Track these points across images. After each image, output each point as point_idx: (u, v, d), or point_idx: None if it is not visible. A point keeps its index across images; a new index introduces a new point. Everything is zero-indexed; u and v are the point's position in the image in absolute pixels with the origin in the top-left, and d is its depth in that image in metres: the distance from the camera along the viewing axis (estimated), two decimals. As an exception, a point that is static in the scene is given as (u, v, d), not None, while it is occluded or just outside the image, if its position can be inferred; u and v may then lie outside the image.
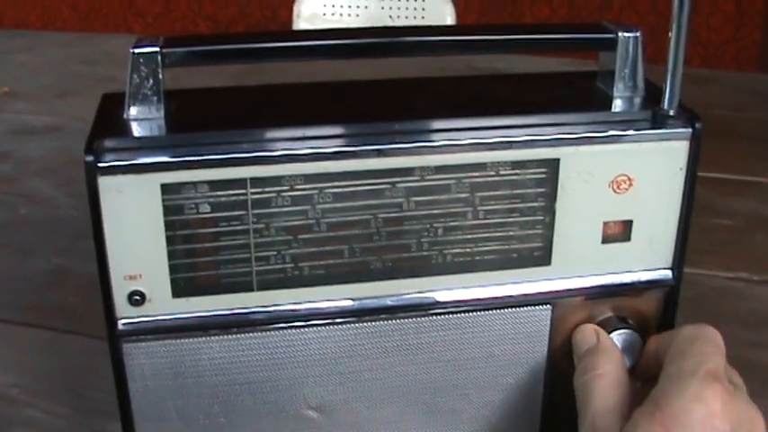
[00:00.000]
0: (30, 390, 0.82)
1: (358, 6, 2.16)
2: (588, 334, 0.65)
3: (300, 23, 2.18)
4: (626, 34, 0.64)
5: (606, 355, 0.63)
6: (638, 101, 0.64)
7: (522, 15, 2.70)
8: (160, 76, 0.60)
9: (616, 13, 2.59)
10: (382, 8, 2.15)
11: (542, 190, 0.61)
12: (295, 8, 2.19)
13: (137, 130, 0.59)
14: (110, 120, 0.60)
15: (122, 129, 0.59)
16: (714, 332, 0.62)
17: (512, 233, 0.62)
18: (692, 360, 0.59)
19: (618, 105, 0.63)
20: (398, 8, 2.15)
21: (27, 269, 1.00)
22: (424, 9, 2.15)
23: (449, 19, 2.11)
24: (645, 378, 0.63)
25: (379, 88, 0.67)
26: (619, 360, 0.63)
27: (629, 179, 0.62)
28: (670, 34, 0.60)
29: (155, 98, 0.60)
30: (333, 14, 2.16)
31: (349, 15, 2.16)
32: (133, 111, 0.60)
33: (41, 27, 1.79)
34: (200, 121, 0.61)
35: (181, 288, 0.60)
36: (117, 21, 3.07)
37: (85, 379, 0.82)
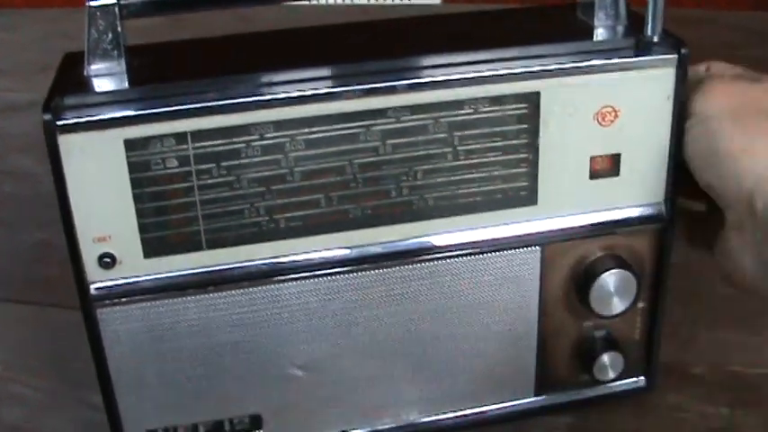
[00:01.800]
0: (14, 365, 0.80)
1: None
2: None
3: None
4: (605, -40, 0.61)
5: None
6: (620, 29, 0.61)
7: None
8: (119, 29, 0.57)
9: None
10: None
11: (524, 126, 0.59)
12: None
13: (97, 85, 0.57)
14: (69, 77, 0.58)
15: (82, 85, 0.56)
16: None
17: (495, 173, 0.60)
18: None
19: (599, 34, 0.61)
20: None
21: (10, 245, 0.98)
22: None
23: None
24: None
25: (347, 31, 0.64)
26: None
27: (615, 111, 0.60)
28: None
29: (115, 52, 0.57)
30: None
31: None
32: (93, 67, 0.57)
33: (24, 5, 1.76)
34: (163, 73, 0.59)
35: (152, 248, 0.58)
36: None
37: (70, 352, 0.80)
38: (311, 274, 0.60)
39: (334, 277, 0.60)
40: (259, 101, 0.55)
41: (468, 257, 0.62)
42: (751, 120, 0.57)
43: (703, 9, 1.50)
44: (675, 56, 0.59)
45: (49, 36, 1.50)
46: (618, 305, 0.64)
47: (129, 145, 0.55)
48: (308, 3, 1.33)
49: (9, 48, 1.54)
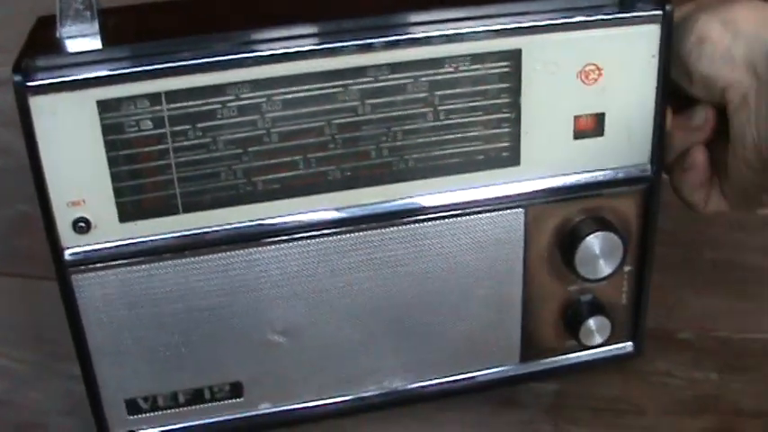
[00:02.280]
0: (-4, 338, 0.79)
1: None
2: None
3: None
4: None
5: None
6: (604, -15, 0.60)
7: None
8: (91, -11, 0.55)
9: None
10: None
11: (506, 85, 0.58)
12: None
13: (69, 46, 0.55)
14: (41, 39, 0.56)
15: (54, 46, 0.55)
16: None
17: (476, 133, 0.59)
18: None
19: (583, -9, 0.59)
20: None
21: (-8, 218, 0.97)
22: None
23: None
24: None
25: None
26: None
27: (599, 69, 0.59)
28: None
29: (87, 13, 0.56)
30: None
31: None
32: (65, 29, 0.56)
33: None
34: (137, 33, 0.57)
35: (127, 212, 0.57)
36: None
37: (53, 323, 0.78)
38: (290, 237, 0.59)
39: (313, 241, 0.59)
40: (234, 59, 0.54)
41: (450, 219, 0.61)
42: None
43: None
44: (660, 12, 0.58)
45: (36, 11, 1.49)
46: (604, 268, 0.63)
47: (103, 106, 0.54)
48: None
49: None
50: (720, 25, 0.59)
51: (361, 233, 0.60)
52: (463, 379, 0.67)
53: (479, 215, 0.61)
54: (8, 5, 1.61)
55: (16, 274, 0.87)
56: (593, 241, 0.62)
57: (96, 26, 0.56)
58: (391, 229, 0.60)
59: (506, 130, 0.59)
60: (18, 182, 1.00)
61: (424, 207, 0.60)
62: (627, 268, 0.65)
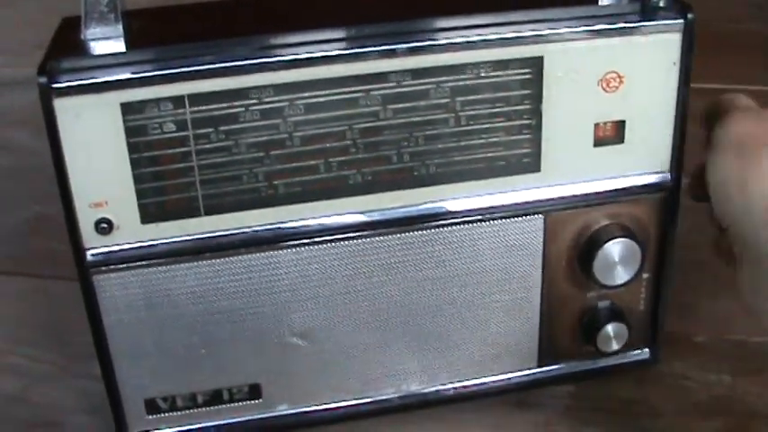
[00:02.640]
0: (14, 337, 0.79)
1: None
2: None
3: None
4: (610, -76, 0.60)
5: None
6: (626, -6, 0.60)
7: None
8: (116, -8, 0.56)
9: None
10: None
11: (527, 91, 0.58)
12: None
13: (94, 48, 0.56)
14: (66, 41, 0.57)
15: (78, 48, 0.56)
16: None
17: (497, 139, 0.59)
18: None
19: (604, -1, 0.60)
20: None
21: (8, 219, 0.97)
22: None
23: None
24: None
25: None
26: None
27: (620, 76, 0.59)
28: None
29: (112, 15, 0.56)
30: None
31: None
32: (90, 31, 0.57)
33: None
34: (161, 36, 0.58)
35: (150, 213, 0.57)
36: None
37: (70, 323, 0.79)
38: (310, 240, 0.59)
39: (333, 244, 0.60)
40: (257, 64, 0.55)
41: (470, 225, 0.61)
42: (757, 152, 0.55)
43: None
44: (682, 21, 0.58)
45: (47, 12, 1.49)
46: (622, 275, 0.63)
47: (126, 109, 0.54)
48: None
49: (6, 24, 1.53)
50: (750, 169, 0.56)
51: (381, 237, 0.60)
52: (481, 383, 0.67)
53: (499, 221, 0.61)
54: (15, 7, 1.62)
55: (32, 274, 0.87)
56: (612, 248, 0.62)
57: (120, 29, 0.56)
58: (411, 233, 0.60)
59: (527, 136, 0.59)
60: (33, 182, 1.00)
61: (445, 212, 0.60)
62: (645, 275, 0.65)
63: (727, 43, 1.20)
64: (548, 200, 0.61)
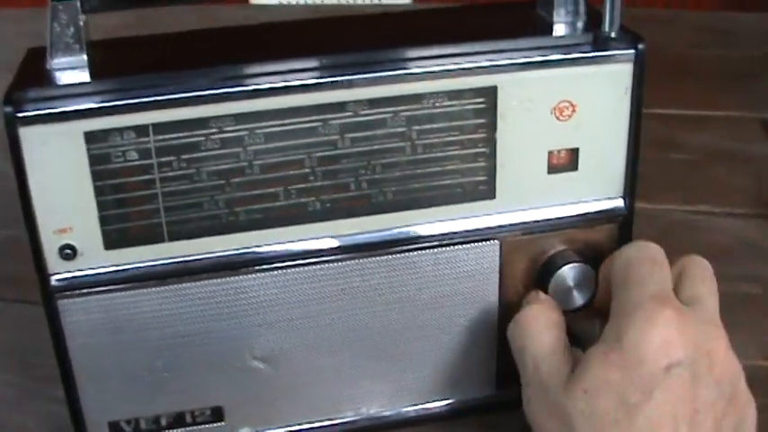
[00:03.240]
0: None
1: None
2: (529, 294, 0.64)
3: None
4: (563, -43, 0.61)
5: (538, 303, 0.62)
6: (579, 25, 0.62)
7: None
8: (81, 23, 0.57)
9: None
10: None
11: (482, 120, 0.59)
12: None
13: (59, 78, 0.57)
14: (31, 70, 0.58)
15: (43, 78, 0.57)
16: (652, 248, 0.60)
17: (453, 167, 0.60)
18: (634, 289, 0.57)
19: (558, 30, 0.61)
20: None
21: (-24, 242, 0.98)
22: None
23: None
24: (603, 309, 0.61)
25: (307, 26, 0.65)
26: (552, 306, 0.62)
27: (573, 105, 0.60)
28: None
29: (77, 46, 0.58)
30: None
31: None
32: (55, 60, 0.58)
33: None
34: (125, 66, 0.59)
35: (113, 240, 0.58)
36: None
37: (36, 347, 0.79)
38: (270, 266, 0.60)
39: (293, 270, 0.61)
40: (218, 94, 0.56)
41: (428, 251, 0.62)
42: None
43: (670, 9, 1.52)
44: (633, 51, 0.60)
45: (18, 36, 1.50)
46: (577, 299, 0.64)
47: (90, 137, 0.55)
48: (274, 3, 1.33)
49: (-28, 47, 1.53)
50: None
51: (340, 263, 0.61)
52: (440, 406, 0.68)
53: (456, 246, 0.62)
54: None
55: (-1, 297, 0.88)
56: (567, 273, 0.63)
57: (85, 59, 0.57)
58: (370, 259, 0.62)
59: (482, 164, 0.60)
60: (1, 205, 1.01)
61: (403, 238, 0.62)
62: (600, 299, 0.66)
63: (686, 68, 1.22)
64: (503, 226, 0.63)
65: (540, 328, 0.61)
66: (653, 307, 0.55)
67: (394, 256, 0.62)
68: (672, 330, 0.55)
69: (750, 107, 1.14)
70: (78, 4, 0.57)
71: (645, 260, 0.59)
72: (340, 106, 0.57)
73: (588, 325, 0.63)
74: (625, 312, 0.56)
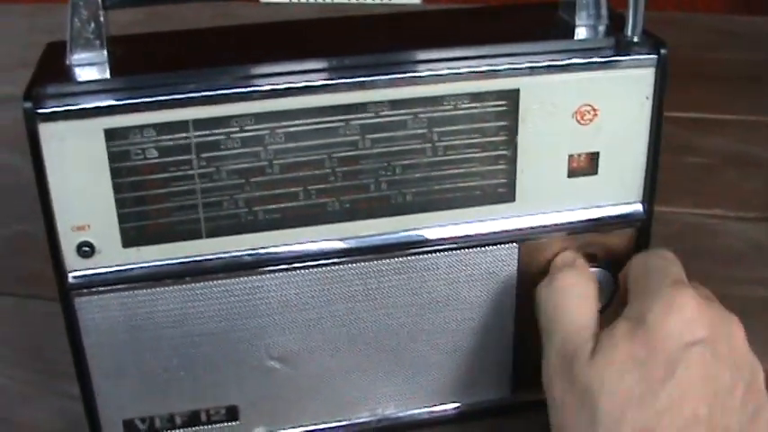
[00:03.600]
0: (-7, 356, 0.80)
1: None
2: (566, 255, 0.63)
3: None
4: (586, -40, 0.61)
5: (578, 271, 0.61)
6: (601, 29, 0.62)
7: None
8: (101, 19, 0.57)
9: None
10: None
11: (503, 123, 0.59)
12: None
13: (78, 74, 0.57)
14: (51, 66, 0.58)
15: (63, 74, 0.57)
16: (668, 254, 0.60)
17: (473, 169, 0.60)
18: (655, 275, 0.57)
19: (580, 34, 0.61)
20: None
21: (-10, 237, 0.98)
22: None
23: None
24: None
25: (328, 25, 0.65)
26: (591, 279, 0.61)
27: (594, 109, 0.60)
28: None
29: (97, 42, 0.57)
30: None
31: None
32: (75, 56, 0.57)
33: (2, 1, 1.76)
34: (145, 64, 0.59)
35: (131, 237, 0.58)
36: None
37: (50, 342, 0.80)
38: (288, 266, 0.60)
39: (311, 270, 0.61)
40: (239, 93, 0.56)
41: (446, 253, 0.62)
42: None
43: (680, 11, 1.51)
44: (655, 56, 0.60)
45: (31, 31, 1.50)
46: (596, 302, 0.64)
47: (110, 135, 0.55)
48: (284, 1, 1.33)
49: (-12, 42, 1.54)
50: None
51: (358, 264, 0.61)
52: (455, 408, 0.68)
53: (474, 249, 0.62)
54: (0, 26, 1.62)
55: (13, 293, 0.88)
56: (585, 276, 0.63)
57: (105, 55, 0.57)
58: (388, 260, 0.61)
59: (502, 167, 0.60)
60: (12, 200, 1.01)
61: (421, 240, 0.61)
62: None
63: (697, 71, 1.22)
64: (522, 229, 0.62)
65: (576, 297, 0.60)
66: (675, 289, 0.56)
67: (412, 257, 0.62)
68: (693, 310, 0.55)
69: (761, 110, 1.14)
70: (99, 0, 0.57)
71: (662, 259, 0.59)
72: (361, 107, 0.57)
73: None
74: (648, 294, 0.57)
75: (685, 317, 0.55)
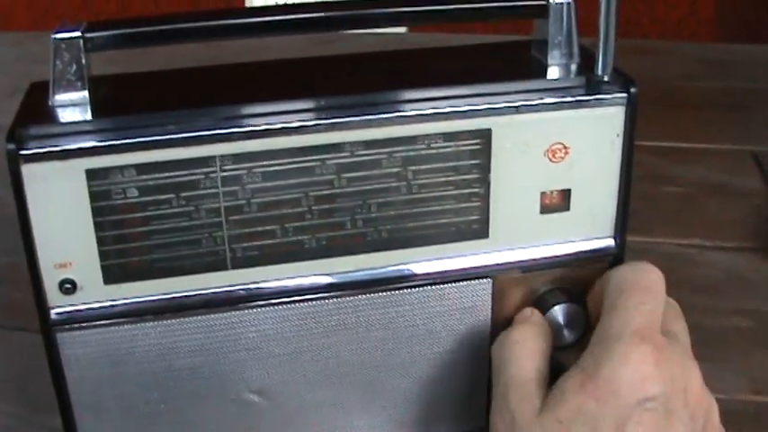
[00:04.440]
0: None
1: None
2: (525, 311, 0.64)
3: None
4: (558, 0, 0.62)
5: (529, 326, 0.63)
6: (573, 67, 0.63)
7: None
8: (83, 62, 0.58)
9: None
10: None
11: (476, 161, 0.61)
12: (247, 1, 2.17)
13: (61, 116, 0.58)
14: (34, 107, 0.59)
15: (46, 115, 0.58)
16: (649, 273, 0.61)
17: (447, 206, 0.61)
18: (618, 319, 0.58)
19: (552, 73, 0.62)
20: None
21: (-26, 268, 0.98)
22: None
23: None
24: (595, 311, 0.62)
25: (306, 66, 0.66)
26: (542, 333, 0.62)
27: (565, 147, 0.61)
28: (600, -3, 0.59)
29: (79, 83, 0.59)
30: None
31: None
32: (57, 97, 0.59)
33: (-6, 30, 1.76)
34: (126, 104, 0.60)
35: (112, 275, 0.59)
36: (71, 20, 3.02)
37: (33, 375, 0.80)
38: (267, 302, 0.61)
39: (289, 306, 0.62)
40: (218, 134, 0.57)
41: (421, 288, 0.63)
42: None
43: (664, 39, 1.53)
44: (625, 95, 0.61)
45: (18, 60, 1.51)
46: (568, 336, 0.65)
47: (91, 175, 0.56)
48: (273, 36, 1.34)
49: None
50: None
51: (335, 299, 0.62)
52: (431, 440, 0.69)
53: (449, 284, 0.63)
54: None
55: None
56: (558, 311, 0.64)
57: (86, 96, 0.59)
58: (365, 296, 0.63)
59: (476, 204, 0.62)
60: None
61: (397, 276, 0.63)
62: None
63: (679, 100, 1.24)
64: (496, 265, 0.64)
65: (523, 352, 0.61)
66: (633, 342, 0.56)
67: (388, 293, 0.63)
68: (649, 367, 0.55)
69: (742, 140, 1.16)
70: (81, 42, 0.58)
71: (638, 288, 0.60)
72: (337, 147, 0.58)
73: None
74: (606, 343, 0.57)
75: (640, 372, 0.55)
